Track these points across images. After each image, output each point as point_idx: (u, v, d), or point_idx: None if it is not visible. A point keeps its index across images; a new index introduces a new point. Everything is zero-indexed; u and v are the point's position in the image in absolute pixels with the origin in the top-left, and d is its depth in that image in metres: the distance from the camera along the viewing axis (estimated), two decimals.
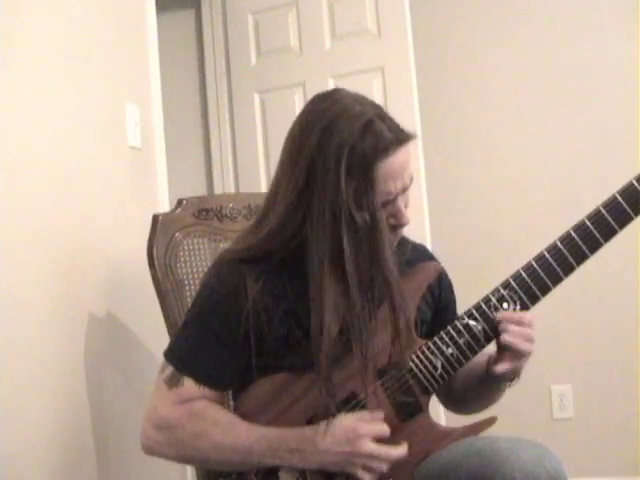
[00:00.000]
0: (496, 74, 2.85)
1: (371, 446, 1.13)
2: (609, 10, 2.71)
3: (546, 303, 1.22)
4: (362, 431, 1.13)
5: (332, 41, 2.76)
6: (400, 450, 1.15)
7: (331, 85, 2.66)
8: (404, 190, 1.16)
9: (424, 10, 2.86)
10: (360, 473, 1.13)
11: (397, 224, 1.18)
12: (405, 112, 2.60)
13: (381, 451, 1.13)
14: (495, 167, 2.84)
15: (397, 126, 1.14)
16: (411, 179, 1.17)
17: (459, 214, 2.87)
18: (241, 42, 2.95)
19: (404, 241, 1.31)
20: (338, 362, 1.14)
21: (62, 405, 1.54)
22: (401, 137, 1.13)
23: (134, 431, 1.71)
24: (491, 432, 1.19)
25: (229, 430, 1.17)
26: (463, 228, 2.85)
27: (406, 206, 1.19)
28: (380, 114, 1.13)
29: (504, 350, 1.18)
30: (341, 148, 1.09)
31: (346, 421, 1.14)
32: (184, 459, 1.26)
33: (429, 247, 2.54)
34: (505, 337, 1.16)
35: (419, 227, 2.41)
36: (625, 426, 2.59)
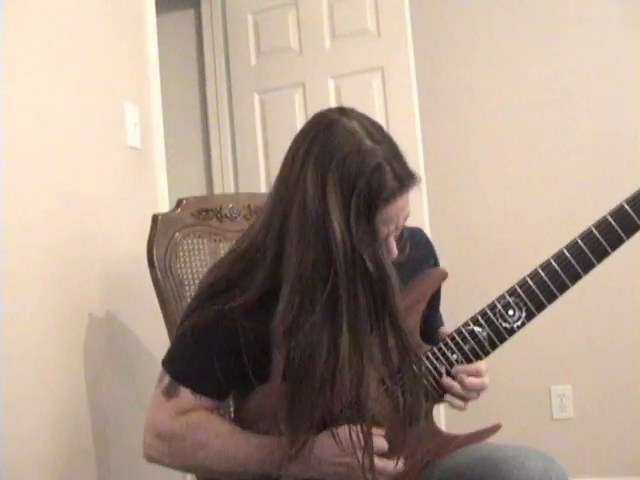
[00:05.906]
0: (496, 74, 2.85)
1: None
2: (611, 12, 2.70)
3: None
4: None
5: (332, 41, 2.76)
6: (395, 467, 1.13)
7: (331, 85, 2.66)
8: (397, 229, 1.12)
9: (424, 10, 2.85)
10: None
11: None
12: (405, 112, 2.61)
13: (378, 464, 1.10)
14: (495, 167, 2.84)
15: (403, 169, 1.09)
16: (405, 218, 1.13)
17: (459, 215, 2.86)
18: (241, 42, 2.95)
19: (401, 235, 1.25)
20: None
21: (62, 405, 1.54)
22: (404, 184, 1.08)
23: (134, 431, 1.71)
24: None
25: (229, 439, 1.16)
26: (463, 229, 2.85)
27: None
28: (387, 157, 1.07)
29: None
30: (348, 194, 1.04)
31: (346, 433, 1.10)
32: (187, 469, 1.25)
33: None
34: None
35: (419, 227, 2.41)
36: (625, 426, 2.59)
